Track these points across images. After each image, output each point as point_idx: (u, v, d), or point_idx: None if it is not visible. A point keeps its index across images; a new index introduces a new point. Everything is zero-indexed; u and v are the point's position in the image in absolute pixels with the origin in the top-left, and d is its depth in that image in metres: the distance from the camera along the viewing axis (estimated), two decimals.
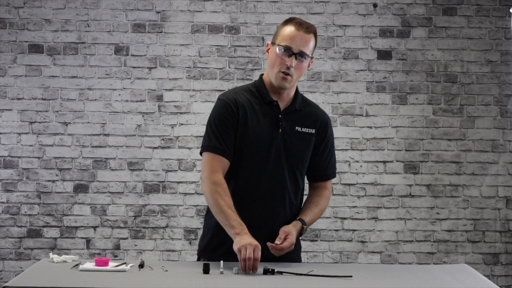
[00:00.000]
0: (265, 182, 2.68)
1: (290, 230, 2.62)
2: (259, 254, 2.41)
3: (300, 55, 2.63)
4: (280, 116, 2.71)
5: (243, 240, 2.44)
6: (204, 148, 2.68)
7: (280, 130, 2.69)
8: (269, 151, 2.67)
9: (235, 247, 2.45)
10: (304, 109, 2.77)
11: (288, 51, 2.62)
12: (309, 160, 2.78)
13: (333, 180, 4.92)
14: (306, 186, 2.88)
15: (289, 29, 2.64)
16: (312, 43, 2.66)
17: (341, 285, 2.26)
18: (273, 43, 2.68)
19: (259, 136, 2.67)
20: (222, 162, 2.64)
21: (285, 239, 2.59)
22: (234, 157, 2.68)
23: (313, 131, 2.76)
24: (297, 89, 2.79)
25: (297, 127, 2.73)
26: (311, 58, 2.69)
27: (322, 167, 2.82)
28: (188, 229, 4.97)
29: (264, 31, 4.99)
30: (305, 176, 2.85)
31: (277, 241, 2.58)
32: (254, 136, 2.67)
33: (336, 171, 2.89)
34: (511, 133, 5.05)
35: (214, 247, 2.74)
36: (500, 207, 5.04)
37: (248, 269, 2.38)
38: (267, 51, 2.72)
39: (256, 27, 4.99)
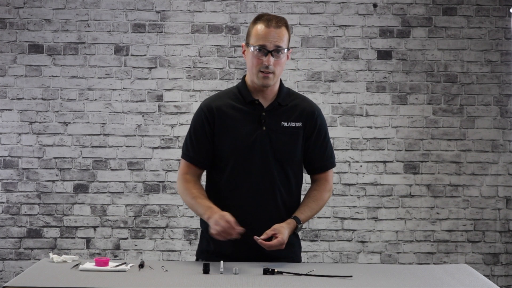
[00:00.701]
0: (253, 181, 2.68)
1: (280, 229, 2.58)
2: (228, 218, 2.52)
3: (276, 51, 2.62)
4: (263, 113, 2.70)
5: (211, 223, 2.55)
6: (182, 155, 2.81)
7: (264, 128, 2.69)
8: (253, 150, 2.67)
9: (211, 232, 2.56)
10: (289, 103, 2.75)
11: (263, 50, 2.62)
12: (302, 154, 2.76)
13: (333, 180, 4.95)
14: (305, 182, 2.88)
15: (260, 28, 2.63)
16: (286, 36, 2.65)
17: (341, 285, 2.26)
18: (247, 44, 2.67)
19: (241, 136, 2.68)
20: (195, 170, 2.76)
21: (275, 236, 2.57)
22: (220, 160, 2.71)
23: (300, 124, 2.73)
24: (281, 84, 2.78)
25: (282, 123, 2.71)
26: (288, 49, 2.69)
27: (318, 158, 2.79)
28: (188, 229, 4.97)
29: None
30: (304, 171, 2.83)
31: (263, 237, 2.55)
32: (236, 137, 2.68)
33: (335, 160, 2.86)
34: (511, 133, 5.05)
35: (212, 249, 2.75)
36: (500, 207, 5.04)
37: (235, 235, 2.52)
38: (243, 52, 2.72)
39: None
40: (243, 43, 2.71)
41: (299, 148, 2.75)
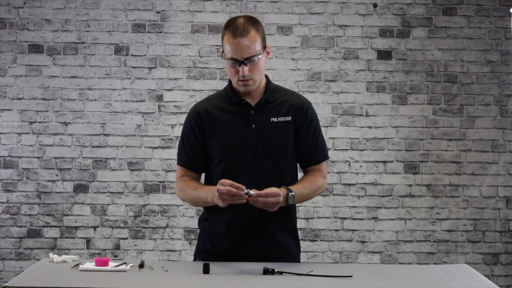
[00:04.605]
0: (246, 179, 2.64)
1: (272, 188, 2.54)
2: (225, 181, 2.47)
3: (248, 59, 2.59)
4: (251, 111, 2.70)
5: (214, 199, 2.53)
6: (177, 161, 2.82)
7: (253, 125, 2.68)
8: (244, 148, 2.67)
9: (223, 205, 2.52)
10: (278, 99, 2.75)
11: (235, 62, 2.60)
12: (294, 148, 2.74)
13: (333, 180, 4.97)
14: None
15: (227, 39, 2.59)
16: (257, 39, 2.61)
17: (341, 285, 2.26)
18: (222, 51, 2.65)
19: (230, 136, 2.68)
20: (191, 174, 2.78)
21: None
22: (213, 161, 2.72)
23: (289, 118, 2.72)
24: (268, 81, 2.78)
25: (272, 118, 2.70)
26: (265, 47, 2.66)
27: (310, 151, 2.77)
28: (188, 229, 4.97)
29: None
30: (298, 166, 2.81)
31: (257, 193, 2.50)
32: (226, 137, 2.68)
33: (328, 153, 2.84)
34: (511, 133, 5.05)
35: (209, 249, 2.75)
36: (500, 207, 5.04)
37: (242, 194, 2.47)
38: (222, 56, 2.68)
39: None
40: (221, 49, 2.68)
41: (291, 142, 2.73)
